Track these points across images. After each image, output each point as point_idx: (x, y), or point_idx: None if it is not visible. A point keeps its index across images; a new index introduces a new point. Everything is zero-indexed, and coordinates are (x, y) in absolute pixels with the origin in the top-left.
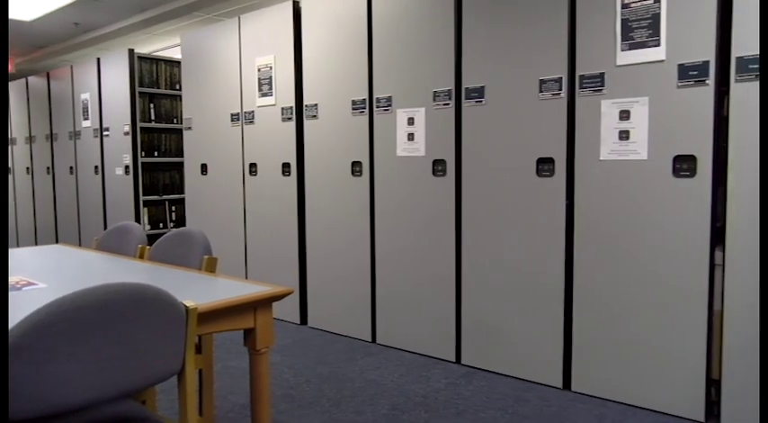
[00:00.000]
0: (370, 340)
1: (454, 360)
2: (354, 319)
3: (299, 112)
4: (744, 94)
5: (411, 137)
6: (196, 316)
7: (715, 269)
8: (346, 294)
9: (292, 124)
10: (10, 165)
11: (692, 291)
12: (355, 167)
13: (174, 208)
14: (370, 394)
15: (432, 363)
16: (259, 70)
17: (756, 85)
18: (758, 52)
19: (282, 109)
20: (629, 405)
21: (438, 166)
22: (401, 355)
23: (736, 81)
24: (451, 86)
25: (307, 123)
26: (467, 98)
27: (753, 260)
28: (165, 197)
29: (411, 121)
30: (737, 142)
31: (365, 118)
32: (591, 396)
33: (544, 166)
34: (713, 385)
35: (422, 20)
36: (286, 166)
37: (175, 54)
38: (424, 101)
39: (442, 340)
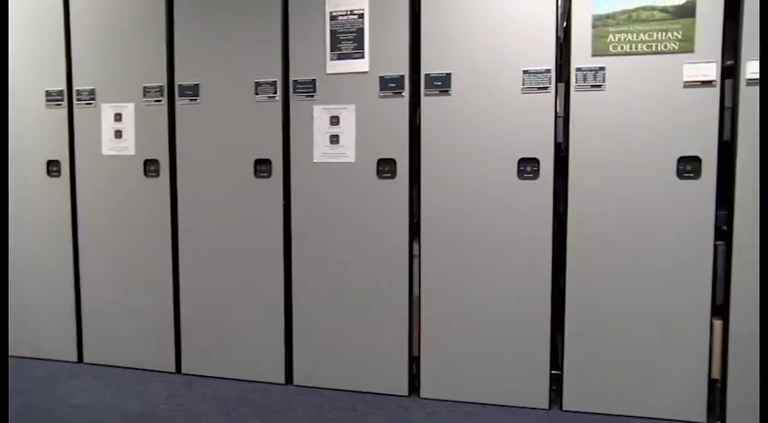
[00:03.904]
0: (76, 360)
1: (174, 370)
2: (55, 339)
3: None
4: (430, 105)
5: (119, 134)
6: None
7: (413, 259)
8: (45, 311)
9: None
10: None
11: (395, 279)
12: (52, 167)
13: None
14: (78, 422)
15: (150, 376)
16: None
17: (441, 99)
18: (442, 72)
19: None
20: (342, 390)
21: (150, 166)
22: (115, 373)
23: (425, 95)
24: (164, 82)
25: None
26: (180, 96)
27: (441, 250)
28: None
29: (118, 117)
30: (427, 148)
31: (63, 111)
32: (311, 387)
33: (262, 167)
34: (414, 362)
35: (130, 8)
36: None
37: None
38: (134, 96)
39: (160, 351)
